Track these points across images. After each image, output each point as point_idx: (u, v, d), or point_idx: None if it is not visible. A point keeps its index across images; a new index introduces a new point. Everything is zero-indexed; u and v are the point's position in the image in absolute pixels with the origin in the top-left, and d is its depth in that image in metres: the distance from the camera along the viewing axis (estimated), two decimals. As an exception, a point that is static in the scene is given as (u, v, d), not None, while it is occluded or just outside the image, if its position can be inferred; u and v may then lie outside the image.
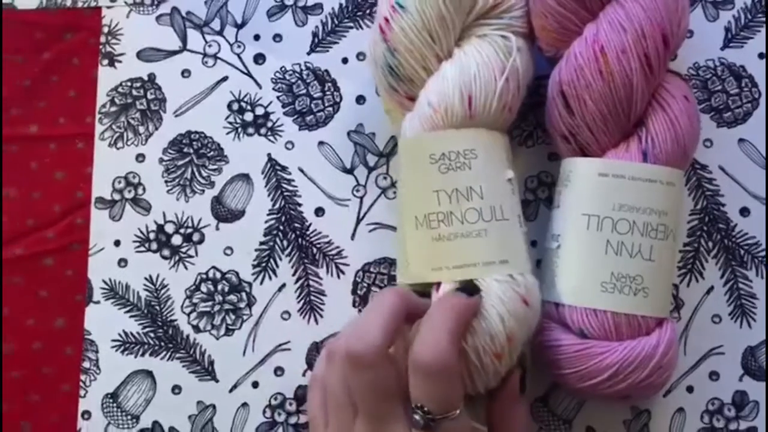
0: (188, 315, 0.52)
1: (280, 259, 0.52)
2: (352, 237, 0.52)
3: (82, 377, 0.52)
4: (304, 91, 0.54)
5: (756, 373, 0.50)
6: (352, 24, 0.54)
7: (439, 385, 0.40)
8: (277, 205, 0.53)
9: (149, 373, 0.52)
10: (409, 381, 0.41)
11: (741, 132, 0.52)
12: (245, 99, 0.54)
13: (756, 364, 0.50)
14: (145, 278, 0.53)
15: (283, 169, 0.53)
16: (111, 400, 0.52)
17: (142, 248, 0.53)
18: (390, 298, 0.42)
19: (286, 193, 0.53)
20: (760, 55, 0.52)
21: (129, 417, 0.52)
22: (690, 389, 0.50)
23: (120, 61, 0.55)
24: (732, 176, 0.51)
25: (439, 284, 0.45)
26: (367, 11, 0.54)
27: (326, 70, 0.54)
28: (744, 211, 0.51)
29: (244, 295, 0.52)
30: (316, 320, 0.52)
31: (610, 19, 0.45)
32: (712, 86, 0.52)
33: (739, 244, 0.51)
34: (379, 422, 0.41)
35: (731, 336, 0.50)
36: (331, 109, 0.54)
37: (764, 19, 0.53)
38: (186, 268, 0.53)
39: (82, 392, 0.52)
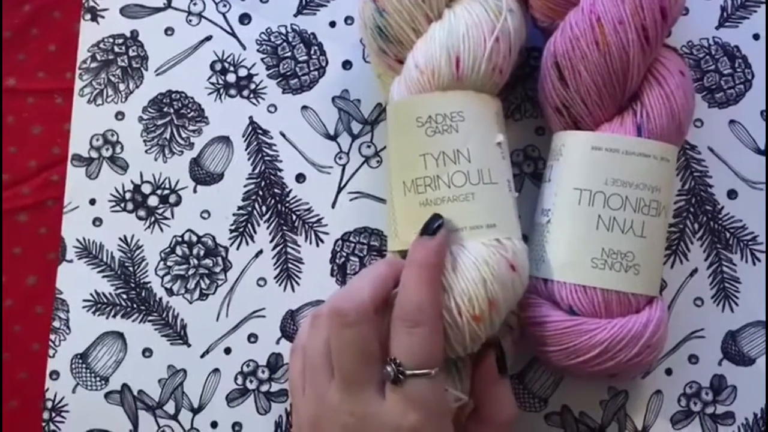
0: (162, 278, 0.49)
1: (258, 224, 0.49)
2: (333, 205, 0.49)
3: (52, 337, 0.49)
4: (289, 54, 0.50)
5: (736, 357, 0.47)
6: (341, -13, 0.50)
7: (416, 337, 0.38)
8: (257, 170, 0.49)
9: (120, 335, 0.49)
10: (390, 334, 0.39)
11: (732, 113, 0.49)
12: (228, 60, 0.50)
13: (736, 349, 0.47)
14: (120, 239, 0.49)
15: (265, 132, 0.50)
16: (80, 361, 0.48)
17: (118, 208, 0.49)
18: (380, 266, 0.41)
19: (266, 158, 0.49)
20: (755, 36, 0.49)
21: (98, 378, 0.48)
22: (669, 372, 0.47)
23: (103, 17, 0.51)
24: (721, 158, 0.48)
25: None
26: (357, -25, 0.50)
27: (313, 33, 0.50)
28: (732, 194, 0.48)
29: (219, 259, 0.49)
30: (292, 288, 0.48)
31: (608, -12, 0.42)
32: (705, 66, 0.49)
33: (725, 227, 0.48)
34: (354, 387, 0.39)
35: (713, 320, 0.48)
36: (316, 73, 0.50)
37: (761, -1, 0.49)
38: (161, 230, 0.49)
39: (51, 352, 0.48)
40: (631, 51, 0.41)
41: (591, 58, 0.42)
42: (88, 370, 0.49)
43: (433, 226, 0.40)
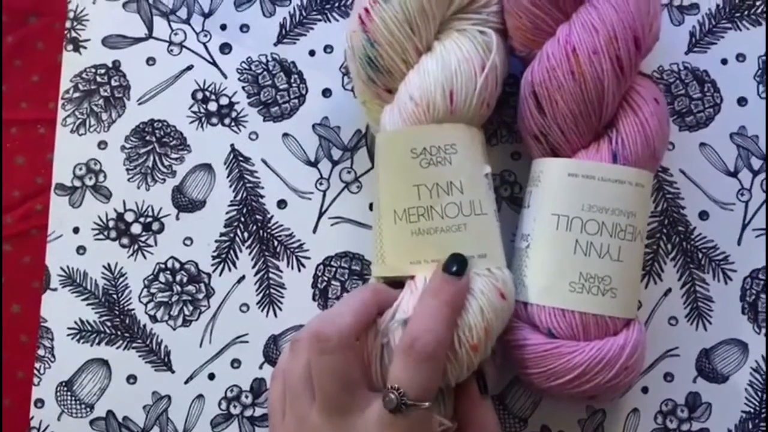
0: (146, 305, 0.48)
1: (240, 250, 0.48)
2: (314, 230, 0.48)
3: (37, 365, 0.48)
4: (270, 83, 0.49)
5: (710, 375, 0.47)
6: (320, 17, 0.50)
7: (425, 371, 0.38)
8: (239, 197, 0.48)
9: (105, 362, 0.48)
10: (393, 360, 0.38)
11: (702, 136, 0.49)
12: (210, 88, 0.49)
13: (710, 367, 0.47)
14: (104, 266, 0.48)
15: (246, 160, 0.49)
16: (65, 389, 0.47)
17: (101, 236, 0.48)
18: (364, 292, 0.41)
19: (248, 185, 0.48)
20: (723, 61, 0.49)
21: (83, 406, 0.47)
22: (645, 390, 0.47)
23: (85, 47, 0.50)
24: (693, 180, 0.48)
25: (414, 277, 0.42)
26: (336, 4, 0.50)
27: (293, 62, 0.50)
28: (703, 215, 0.48)
29: (202, 286, 0.48)
30: (275, 313, 0.48)
31: (583, 21, 0.42)
32: (676, 90, 0.49)
33: (697, 248, 0.47)
34: (337, 412, 0.38)
35: (687, 338, 0.48)
36: (296, 101, 0.49)
37: (728, 25, 0.49)
38: (145, 257, 0.48)
39: (36, 380, 0.47)
40: (606, 80, 0.41)
41: (567, 87, 0.42)
42: (73, 398, 0.48)
43: (454, 267, 0.40)
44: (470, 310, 0.40)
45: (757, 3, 0.49)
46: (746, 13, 0.49)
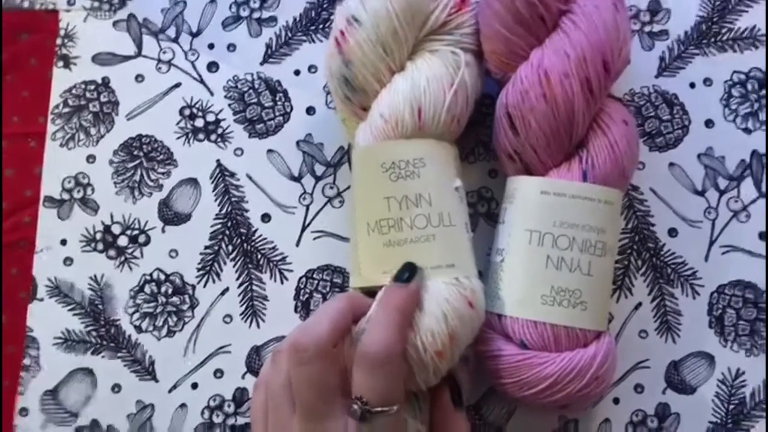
0: (131, 315, 0.49)
1: (225, 263, 0.49)
2: (297, 244, 0.49)
3: (22, 374, 0.48)
4: (256, 100, 0.51)
5: (678, 386, 0.48)
6: (305, 37, 0.51)
7: (381, 377, 0.38)
8: (223, 210, 0.49)
9: (90, 372, 0.48)
10: (353, 371, 0.39)
11: (672, 156, 0.50)
12: (197, 105, 0.50)
13: (679, 378, 0.48)
14: (90, 278, 0.49)
15: (232, 174, 0.50)
16: (50, 398, 0.48)
17: (89, 248, 0.49)
18: (339, 300, 0.41)
19: (233, 199, 0.49)
20: (691, 85, 0.51)
21: (68, 414, 0.48)
22: (616, 401, 0.48)
23: (75, 64, 0.51)
24: (662, 198, 0.50)
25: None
26: (320, 26, 0.51)
27: (278, 81, 0.51)
28: (672, 232, 0.49)
29: (187, 297, 0.49)
30: (257, 324, 0.48)
31: (555, 46, 0.44)
32: (646, 112, 0.50)
33: (666, 263, 0.49)
34: (316, 420, 0.39)
35: (657, 351, 0.49)
36: (281, 118, 0.50)
37: (696, 51, 0.50)
38: (131, 269, 0.49)
39: (21, 389, 0.48)
40: (576, 102, 0.43)
41: (539, 109, 0.43)
42: (58, 406, 0.48)
43: (406, 274, 0.41)
44: (434, 317, 0.41)
45: (723, 30, 0.51)
46: (713, 39, 0.51)
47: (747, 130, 0.50)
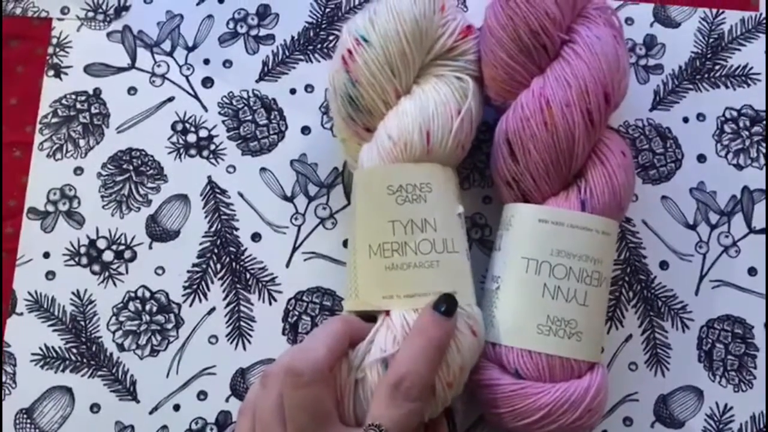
0: (113, 333, 0.47)
1: (212, 282, 0.47)
2: (287, 265, 0.48)
3: (-3, 391, 0.45)
4: (250, 118, 0.49)
5: (667, 420, 0.48)
6: (302, 56, 0.50)
7: (406, 410, 0.37)
8: (213, 228, 0.48)
9: (68, 390, 0.46)
10: (375, 397, 0.38)
11: (664, 189, 0.50)
12: (190, 120, 0.49)
13: (667, 412, 0.47)
14: (72, 293, 0.47)
15: (223, 192, 0.48)
16: (25, 416, 0.46)
17: (72, 262, 0.47)
18: (335, 323, 0.40)
19: (223, 217, 0.48)
20: (685, 119, 0.51)
21: (42, 434, 0.45)
22: (605, 434, 0.47)
23: (66, 74, 0.50)
24: (654, 230, 0.49)
25: (388, 312, 0.42)
26: (318, 45, 0.50)
27: (274, 99, 0.50)
28: (663, 265, 0.49)
29: (172, 316, 0.47)
30: (243, 346, 0.47)
31: (557, 75, 0.43)
32: (640, 145, 0.50)
33: (657, 296, 0.48)
34: None
35: (646, 384, 0.48)
36: (275, 137, 0.49)
37: (689, 86, 0.50)
38: (115, 285, 0.47)
39: (-6, 406, 0.45)
40: (577, 132, 0.42)
41: (540, 137, 0.42)
42: (33, 426, 0.46)
43: (450, 306, 0.40)
44: (448, 350, 0.40)
45: (716, 67, 0.51)
46: (706, 75, 0.51)
47: (738, 166, 0.50)
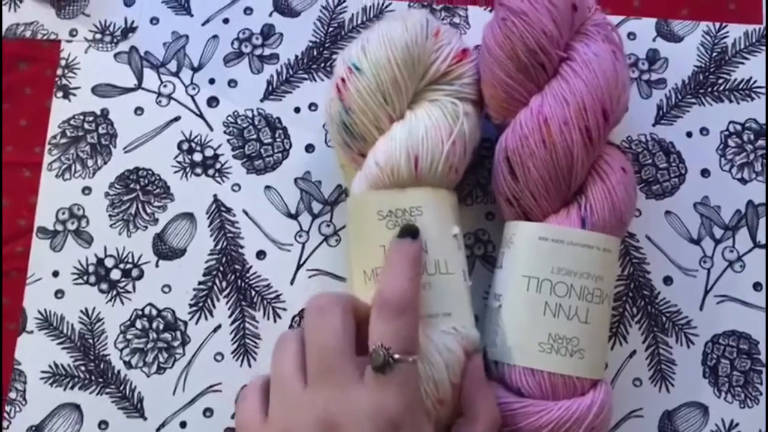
0: (121, 350, 0.47)
1: (218, 299, 0.47)
2: (292, 282, 0.48)
3: (7, 408, 0.46)
4: (255, 137, 0.49)
5: (672, 436, 0.47)
6: (306, 75, 0.50)
7: (402, 325, 0.38)
8: (219, 246, 0.48)
9: (77, 407, 0.47)
10: (371, 323, 0.39)
11: (668, 204, 0.49)
12: (196, 140, 0.49)
13: (672, 428, 0.47)
14: (81, 311, 0.47)
15: (228, 210, 0.48)
16: (35, 433, 0.46)
17: (81, 281, 0.48)
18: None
19: (229, 235, 0.48)
20: (688, 134, 0.50)
21: (52, 451, 0.46)
22: (609, 450, 0.46)
23: (74, 95, 0.50)
24: (658, 246, 0.49)
25: None
26: (322, 64, 0.50)
27: (278, 118, 0.50)
28: (667, 280, 0.48)
29: (178, 333, 0.47)
30: (249, 363, 0.47)
31: (555, 93, 0.43)
32: (643, 160, 0.50)
33: (661, 311, 0.48)
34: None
35: (650, 400, 0.48)
36: (280, 155, 0.49)
37: (693, 100, 0.50)
38: (122, 303, 0.47)
39: (5, 423, 0.46)
40: (576, 149, 0.42)
41: (539, 155, 0.42)
42: (42, 443, 0.46)
43: (412, 232, 0.41)
44: (436, 366, 0.40)
45: (719, 81, 0.51)
46: (709, 89, 0.51)
47: (743, 180, 0.50)
